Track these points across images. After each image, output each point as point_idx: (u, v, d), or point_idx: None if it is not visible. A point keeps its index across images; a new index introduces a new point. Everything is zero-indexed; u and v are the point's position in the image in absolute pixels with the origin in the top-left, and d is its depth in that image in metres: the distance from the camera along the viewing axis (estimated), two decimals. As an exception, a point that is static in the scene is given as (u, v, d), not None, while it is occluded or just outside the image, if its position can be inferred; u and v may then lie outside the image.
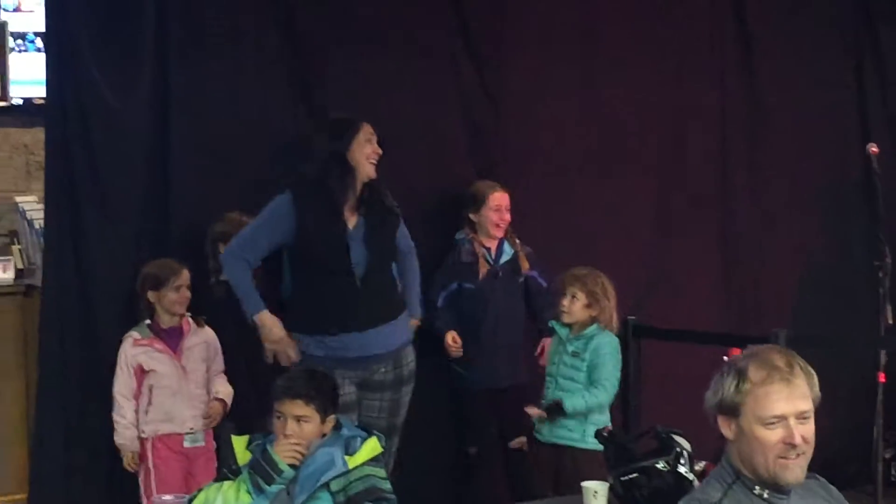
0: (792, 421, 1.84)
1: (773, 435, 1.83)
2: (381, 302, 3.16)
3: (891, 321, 3.86)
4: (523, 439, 3.42)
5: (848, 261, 4.43)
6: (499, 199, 3.66)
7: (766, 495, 1.86)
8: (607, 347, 3.26)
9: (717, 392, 1.88)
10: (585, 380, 3.28)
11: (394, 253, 3.25)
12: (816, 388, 1.86)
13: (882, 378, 3.73)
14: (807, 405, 1.84)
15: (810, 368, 1.88)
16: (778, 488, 1.85)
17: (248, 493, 2.69)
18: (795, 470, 1.84)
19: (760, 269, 4.42)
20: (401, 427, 3.24)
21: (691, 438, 2.77)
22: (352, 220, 3.14)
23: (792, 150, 4.45)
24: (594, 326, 3.27)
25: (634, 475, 2.79)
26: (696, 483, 2.80)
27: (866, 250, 4.06)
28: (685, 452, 2.80)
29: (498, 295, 3.61)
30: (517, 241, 3.73)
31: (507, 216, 3.68)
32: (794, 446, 1.81)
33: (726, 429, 1.89)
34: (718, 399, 1.88)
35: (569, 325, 3.30)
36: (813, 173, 4.48)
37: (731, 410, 1.86)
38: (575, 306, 3.29)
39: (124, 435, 3.29)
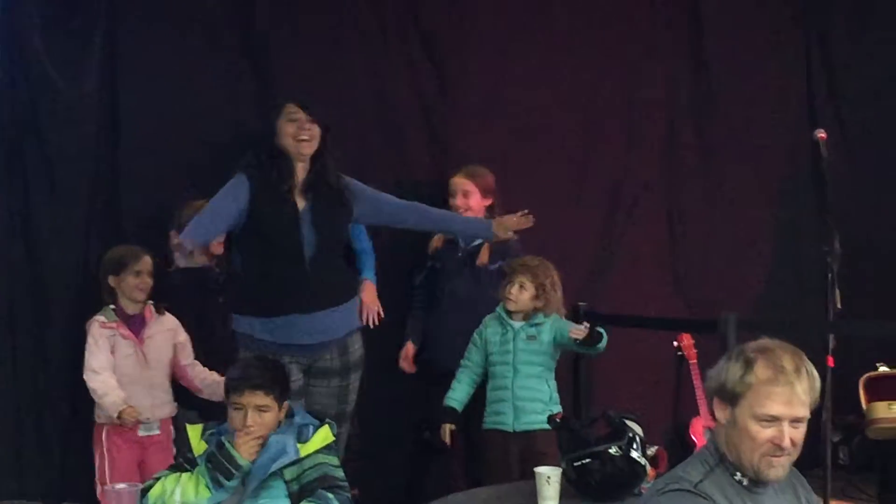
0: (786, 424, 1.87)
1: (765, 433, 1.87)
2: (329, 286, 3.12)
3: (839, 306, 3.84)
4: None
5: (798, 246, 4.48)
6: (454, 183, 3.68)
7: (745, 483, 1.90)
8: (561, 320, 3.29)
9: (721, 375, 1.90)
10: (547, 359, 3.30)
11: (342, 236, 3.22)
12: (817, 394, 1.90)
13: (831, 363, 3.70)
14: (804, 412, 1.87)
15: (816, 373, 1.91)
16: (758, 481, 1.89)
17: (207, 487, 2.68)
18: (779, 469, 1.88)
19: (710, 255, 4.47)
20: (350, 414, 3.21)
21: (642, 423, 2.82)
22: (301, 203, 3.10)
23: (741, 135, 4.49)
24: (541, 316, 3.27)
25: (587, 460, 2.83)
26: (649, 468, 2.88)
27: (816, 236, 4.05)
28: (637, 437, 2.85)
29: (464, 279, 3.61)
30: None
31: (472, 200, 3.65)
32: (781, 448, 1.85)
33: (720, 412, 1.93)
34: (721, 382, 1.90)
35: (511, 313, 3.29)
36: (762, 159, 4.51)
37: (730, 397, 1.89)
38: (522, 296, 3.30)
39: (115, 402, 3.16)
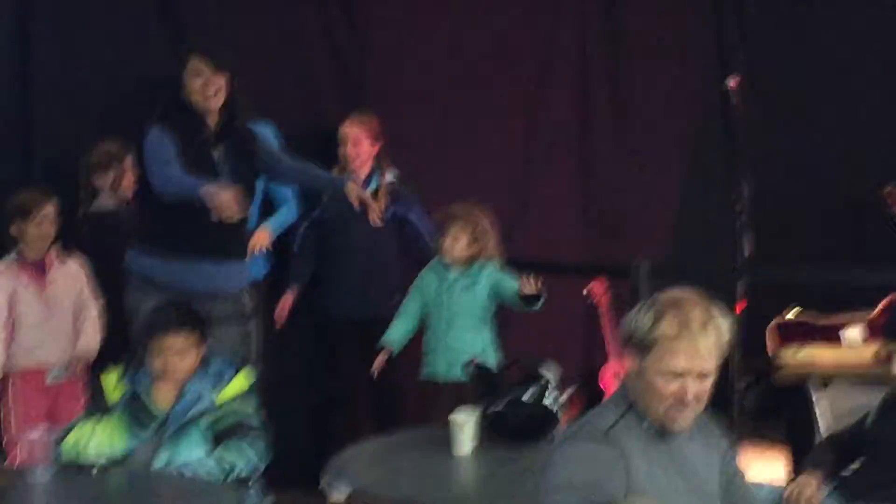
0: (690, 379, 1.95)
1: (669, 388, 1.95)
2: (232, 237, 3.24)
3: (748, 253, 4.16)
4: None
5: (709, 193, 4.71)
6: (344, 133, 3.78)
7: (654, 430, 2.00)
8: (499, 272, 3.40)
9: (631, 325, 1.99)
10: (482, 311, 3.40)
11: (253, 184, 3.33)
12: (725, 348, 1.98)
13: (738, 310, 3.98)
14: (709, 366, 1.96)
15: (727, 327, 1.99)
16: (664, 431, 1.99)
17: (122, 436, 2.79)
18: (682, 422, 1.98)
19: (625, 203, 4.69)
20: (254, 362, 3.30)
21: (556, 369, 2.93)
22: (216, 153, 3.23)
23: (654, 85, 4.73)
24: (478, 262, 3.37)
25: (500, 407, 2.93)
26: (562, 414, 3.01)
27: (726, 183, 4.32)
28: (550, 383, 2.95)
29: (361, 225, 3.66)
30: (388, 174, 3.82)
31: (362, 148, 3.77)
32: (685, 403, 1.95)
33: (631, 361, 2.01)
34: (631, 332, 1.99)
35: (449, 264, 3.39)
36: (675, 107, 4.74)
37: (639, 348, 1.97)
38: (457, 246, 3.39)
39: None
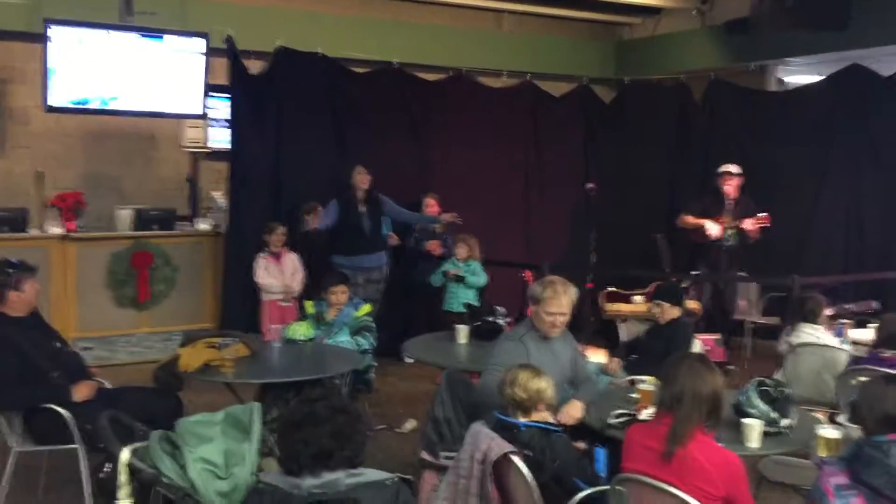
0: (558, 316, 3.74)
1: (548, 319, 3.76)
2: (372, 243, 7.20)
3: (594, 261, 7.93)
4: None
5: (579, 233, 8.45)
6: (425, 200, 7.46)
7: (541, 337, 3.80)
8: (475, 263, 6.88)
9: (531, 291, 3.88)
10: (472, 281, 6.80)
11: (381, 221, 7.15)
12: (575, 301, 3.78)
13: (589, 286, 7.66)
14: (567, 309, 3.77)
15: (574, 293, 3.76)
16: (546, 337, 3.80)
17: (312, 328, 5.04)
18: (556, 332, 3.84)
19: (541, 234, 8.61)
20: (379, 301, 6.87)
21: (507, 307, 5.80)
22: (361, 208, 6.83)
23: (557, 182, 8.70)
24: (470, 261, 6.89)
25: (479, 323, 5.38)
26: (505, 328, 5.21)
27: (586, 228, 8.11)
28: (500, 314, 5.54)
29: (433, 237, 7.48)
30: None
31: (432, 208, 7.41)
32: (556, 326, 3.79)
33: (532, 307, 3.81)
34: (531, 294, 3.87)
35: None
36: (567, 191, 8.68)
37: (535, 302, 3.82)
38: (461, 253, 6.78)
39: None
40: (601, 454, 3.43)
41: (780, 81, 9.25)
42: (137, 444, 2.76)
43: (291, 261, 6.92)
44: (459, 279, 6.80)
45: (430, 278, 6.99)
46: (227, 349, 4.40)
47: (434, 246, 7.27)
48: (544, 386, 3.42)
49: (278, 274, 6.85)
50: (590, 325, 7.64)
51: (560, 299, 3.85)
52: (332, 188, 7.05)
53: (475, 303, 6.50)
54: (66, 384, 4.12)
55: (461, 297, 6.76)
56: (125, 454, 2.68)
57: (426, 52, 8.53)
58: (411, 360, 7.06)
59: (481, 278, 6.85)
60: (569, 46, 9.65)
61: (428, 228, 7.54)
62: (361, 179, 6.70)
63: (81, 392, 4.12)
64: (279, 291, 6.81)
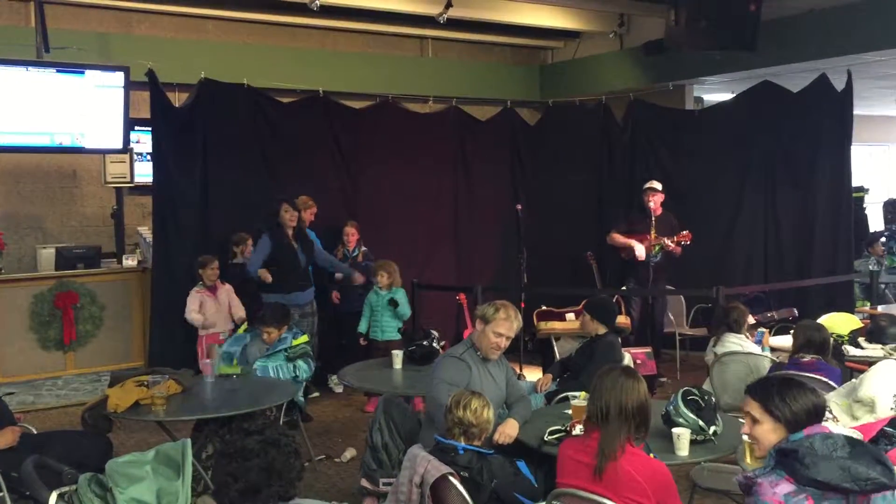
0: (504, 338, 3.86)
1: (494, 340, 3.86)
2: (304, 280, 7.28)
3: (525, 281, 8.04)
4: None
5: (509, 252, 8.63)
6: (346, 230, 7.42)
7: (481, 357, 3.90)
8: (400, 291, 6.83)
9: (482, 311, 3.94)
10: (392, 315, 6.78)
11: (312, 258, 7.00)
12: (519, 324, 3.89)
13: (522, 305, 7.89)
14: (513, 334, 3.89)
15: (519, 315, 3.87)
16: (486, 358, 3.91)
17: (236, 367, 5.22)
18: (495, 355, 3.96)
19: (473, 257, 8.75)
20: (311, 333, 7.06)
21: (440, 331, 5.75)
22: (294, 244, 6.78)
23: (485, 204, 8.84)
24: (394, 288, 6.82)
25: (413, 347, 5.37)
26: (441, 351, 5.19)
27: (516, 249, 8.20)
28: (436, 338, 5.46)
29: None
30: (362, 247, 7.51)
31: (352, 237, 7.38)
32: (500, 348, 3.92)
33: (479, 325, 3.90)
34: (481, 314, 3.94)
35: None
36: (495, 213, 8.87)
37: (484, 321, 3.92)
38: (383, 280, 6.70)
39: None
40: (523, 466, 3.48)
41: (698, 99, 9.59)
42: (65, 489, 2.69)
43: (226, 293, 6.90)
44: (395, 304, 6.79)
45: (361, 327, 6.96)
46: (157, 387, 4.34)
47: (358, 278, 7.21)
48: (492, 418, 3.48)
49: (216, 307, 6.81)
50: (525, 344, 7.75)
51: (511, 322, 3.94)
52: (259, 218, 7.02)
53: (396, 335, 6.67)
54: (-11, 432, 4.00)
55: (387, 326, 6.82)
56: (52, 499, 2.62)
57: (352, 80, 8.61)
58: (340, 390, 7.31)
59: (406, 309, 6.83)
60: (493, 71, 9.83)
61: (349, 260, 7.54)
62: (290, 217, 6.64)
63: (5, 438, 4.01)
64: (214, 326, 6.79)
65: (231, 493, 2.40)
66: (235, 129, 7.46)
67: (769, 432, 2.58)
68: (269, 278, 6.56)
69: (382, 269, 6.74)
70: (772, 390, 2.60)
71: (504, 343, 3.99)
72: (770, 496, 2.37)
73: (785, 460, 2.44)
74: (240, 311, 6.86)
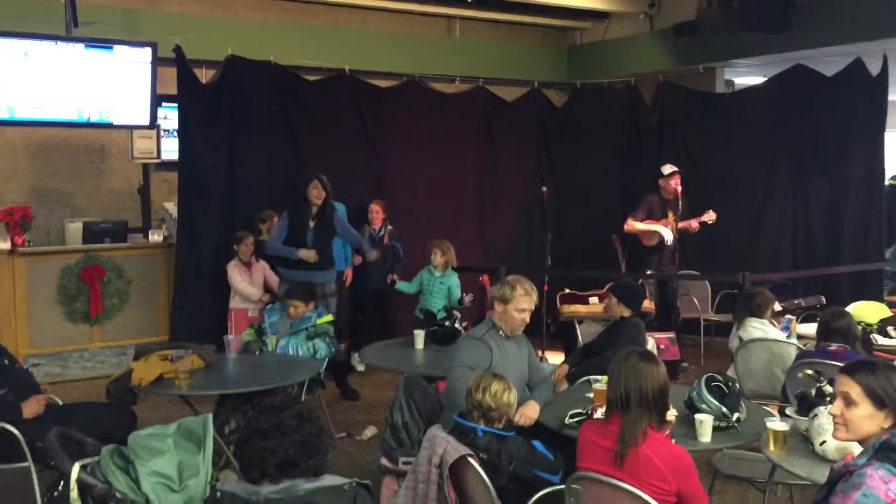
0: (527, 313, 3.80)
1: (519, 317, 3.83)
2: (320, 260, 7.30)
3: (548, 263, 8.00)
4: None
5: (533, 236, 8.71)
6: (371, 207, 7.39)
7: (502, 335, 3.88)
8: (454, 276, 6.63)
9: (498, 292, 3.92)
10: (446, 293, 6.44)
11: (331, 238, 6.69)
12: (537, 300, 3.87)
13: (546, 287, 7.72)
14: (532, 308, 3.84)
15: (533, 285, 3.82)
16: (508, 336, 3.88)
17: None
18: (520, 331, 3.92)
19: (496, 238, 8.69)
20: (333, 311, 6.75)
21: (464, 313, 5.91)
22: (311, 223, 6.49)
23: (510, 186, 8.77)
24: (448, 270, 6.51)
25: (436, 327, 5.39)
26: (462, 331, 5.21)
27: (541, 233, 8.24)
28: (458, 318, 5.48)
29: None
30: (388, 226, 7.48)
31: (378, 215, 7.34)
32: (525, 321, 3.89)
33: (498, 307, 3.86)
34: (499, 296, 3.91)
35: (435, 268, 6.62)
36: (520, 194, 8.80)
37: (504, 301, 3.89)
38: (437, 259, 6.46)
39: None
40: (539, 444, 3.46)
41: (728, 83, 9.44)
42: (88, 460, 2.72)
43: (261, 269, 6.89)
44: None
45: (402, 286, 6.77)
46: (181, 361, 4.37)
47: (373, 255, 7.09)
48: (513, 401, 3.45)
49: (248, 283, 6.83)
50: (547, 327, 7.70)
51: (530, 295, 3.94)
52: (285, 196, 7.02)
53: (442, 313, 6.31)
54: (16, 401, 4.04)
55: (434, 306, 6.35)
56: (75, 470, 2.64)
57: (378, 59, 8.57)
58: (362, 368, 7.30)
59: (458, 293, 6.55)
60: (520, 51, 9.74)
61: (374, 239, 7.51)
62: (317, 195, 6.41)
63: (31, 407, 4.05)
64: (252, 299, 6.76)
65: (268, 468, 2.42)
66: (262, 106, 7.45)
67: (865, 418, 2.41)
68: (311, 257, 6.33)
69: (437, 247, 6.53)
70: (877, 373, 2.42)
71: (526, 319, 3.98)
72: (884, 492, 2.21)
73: (894, 455, 2.27)
74: (272, 286, 6.81)
